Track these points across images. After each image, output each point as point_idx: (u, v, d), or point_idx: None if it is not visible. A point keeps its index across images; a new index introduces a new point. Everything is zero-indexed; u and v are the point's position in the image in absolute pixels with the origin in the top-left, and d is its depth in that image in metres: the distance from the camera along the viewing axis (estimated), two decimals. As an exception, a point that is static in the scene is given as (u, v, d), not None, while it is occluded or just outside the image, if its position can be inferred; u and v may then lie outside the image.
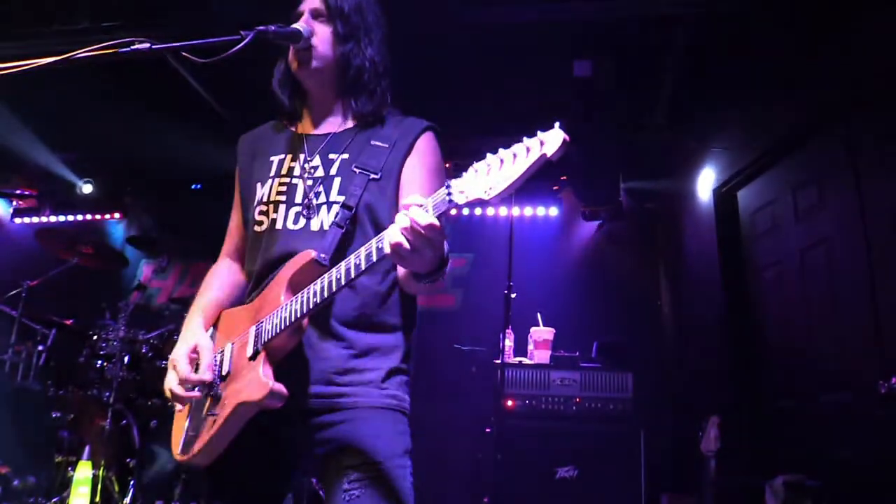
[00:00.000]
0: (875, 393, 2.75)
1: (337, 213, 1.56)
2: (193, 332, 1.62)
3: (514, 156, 1.14)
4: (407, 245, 1.22)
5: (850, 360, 3.20)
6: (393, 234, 1.23)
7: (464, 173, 1.20)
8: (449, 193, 1.20)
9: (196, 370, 1.55)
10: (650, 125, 4.97)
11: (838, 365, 3.28)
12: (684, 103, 4.64)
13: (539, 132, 1.13)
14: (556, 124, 1.13)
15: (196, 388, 1.53)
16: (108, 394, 4.01)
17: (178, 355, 1.56)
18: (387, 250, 1.25)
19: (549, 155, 1.11)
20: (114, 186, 6.45)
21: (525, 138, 1.14)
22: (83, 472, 3.55)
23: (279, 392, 1.40)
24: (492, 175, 1.16)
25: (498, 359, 3.99)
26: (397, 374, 1.58)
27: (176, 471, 3.73)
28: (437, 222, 1.20)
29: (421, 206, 1.22)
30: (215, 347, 1.61)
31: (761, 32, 3.82)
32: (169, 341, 4.35)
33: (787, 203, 3.82)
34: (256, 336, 1.48)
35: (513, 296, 4.20)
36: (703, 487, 3.37)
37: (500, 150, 1.16)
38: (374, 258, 1.29)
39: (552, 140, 1.11)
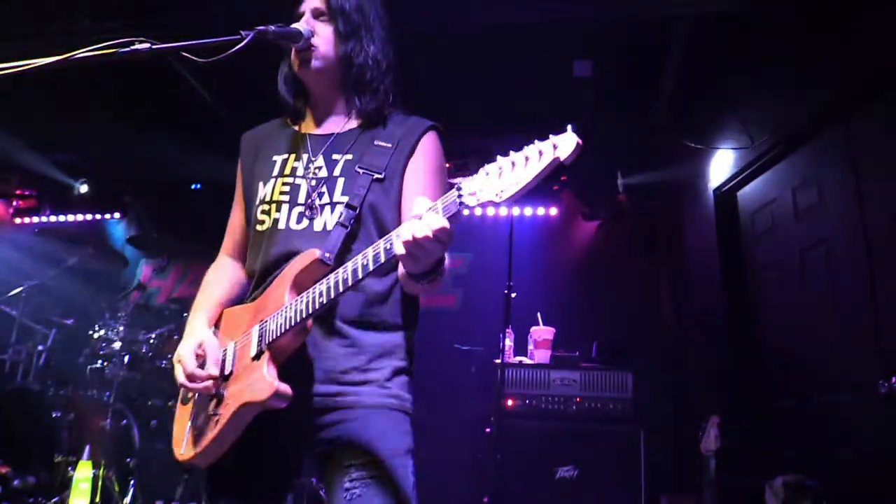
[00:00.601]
0: (875, 393, 2.74)
1: (341, 213, 1.55)
2: (197, 330, 1.61)
3: (527, 159, 1.13)
4: (418, 246, 1.21)
5: (850, 360, 3.19)
6: (405, 234, 1.22)
7: (474, 175, 1.20)
8: (460, 195, 1.20)
9: (202, 367, 1.54)
10: (650, 125, 4.97)
11: (838, 365, 3.27)
12: (684, 103, 4.64)
13: (551, 135, 1.13)
14: (569, 127, 1.12)
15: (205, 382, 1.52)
16: (108, 394, 4.02)
17: (184, 352, 1.55)
18: (399, 250, 1.24)
19: (562, 159, 1.10)
20: (113, 186, 6.46)
21: (537, 141, 1.14)
22: (83, 472, 3.56)
23: (284, 392, 1.39)
24: (504, 178, 1.15)
25: (498, 358, 3.99)
26: (401, 373, 1.58)
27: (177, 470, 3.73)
28: (448, 225, 1.20)
29: (431, 208, 1.22)
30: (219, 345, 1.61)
31: (761, 32, 3.82)
32: (169, 341, 4.35)
33: (787, 203, 3.81)
34: (260, 336, 1.47)
35: (513, 295, 4.20)
36: (703, 487, 3.37)
37: (512, 153, 1.16)
38: (382, 258, 1.29)
39: (565, 144, 1.10)
